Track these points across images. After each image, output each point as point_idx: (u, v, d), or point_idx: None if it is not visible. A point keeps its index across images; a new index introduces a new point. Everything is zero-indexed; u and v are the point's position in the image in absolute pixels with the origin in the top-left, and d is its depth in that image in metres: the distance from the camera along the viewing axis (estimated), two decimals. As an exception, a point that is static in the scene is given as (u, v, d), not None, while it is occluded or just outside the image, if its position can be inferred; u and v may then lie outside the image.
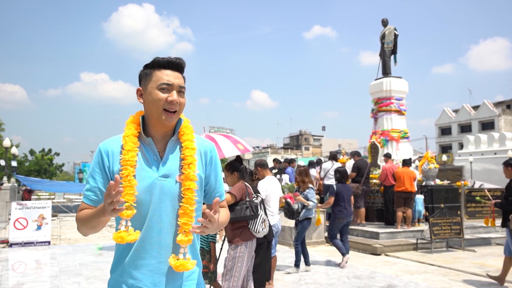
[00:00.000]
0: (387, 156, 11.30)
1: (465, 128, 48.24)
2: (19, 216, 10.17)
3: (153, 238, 1.69)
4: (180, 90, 1.74)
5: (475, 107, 49.04)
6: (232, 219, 4.26)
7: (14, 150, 23.94)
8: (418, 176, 11.97)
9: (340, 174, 7.80)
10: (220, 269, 5.19)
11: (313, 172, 11.83)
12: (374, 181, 11.65)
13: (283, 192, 11.13)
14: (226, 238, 4.55)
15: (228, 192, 4.29)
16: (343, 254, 7.58)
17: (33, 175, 41.85)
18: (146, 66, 1.77)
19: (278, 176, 12.35)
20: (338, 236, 7.81)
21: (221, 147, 5.30)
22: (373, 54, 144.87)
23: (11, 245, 10.01)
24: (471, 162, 27.59)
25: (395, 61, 14.53)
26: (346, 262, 7.56)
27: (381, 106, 14.06)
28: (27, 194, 14.76)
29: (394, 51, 14.42)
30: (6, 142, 20.79)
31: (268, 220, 4.45)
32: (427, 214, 10.98)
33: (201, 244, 4.72)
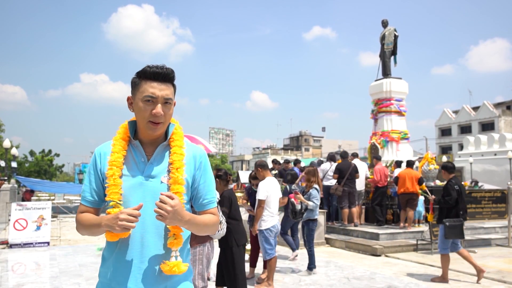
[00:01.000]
0: (377, 159, 11.36)
1: (465, 129, 48.21)
2: (19, 217, 10.15)
3: (136, 237, 1.70)
4: (166, 102, 1.74)
5: (475, 108, 49.02)
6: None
7: (14, 151, 23.93)
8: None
9: (292, 176, 7.87)
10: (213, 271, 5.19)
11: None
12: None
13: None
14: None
15: None
16: (293, 250, 8.14)
17: (33, 176, 41.85)
18: (137, 74, 1.78)
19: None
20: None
21: None
22: (372, 55, 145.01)
23: (10, 246, 9.99)
24: (471, 163, 27.57)
25: (395, 62, 14.54)
26: (296, 256, 8.17)
27: (381, 107, 14.06)
28: (28, 195, 14.77)
29: (394, 52, 14.44)
30: (6, 143, 20.79)
31: (225, 222, 4.31)
32: (427, 215, 10.97)
33: None
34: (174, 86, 1.80)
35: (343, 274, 7.10)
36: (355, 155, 11.90)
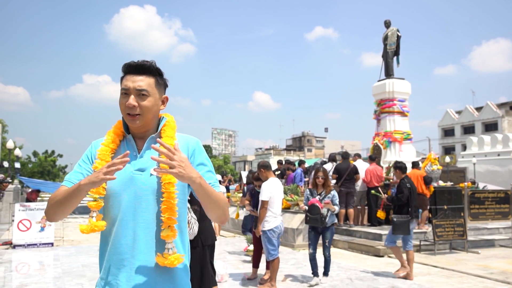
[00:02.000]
0: (371, 159, 11.37)
1: (468, 130, 48.07)
2: (23, 217, 10.19)
3: (128, 232, 1.68)
4: (141, 93, 1.72)
5: (478, 109, 48.87)
6: None
7: (17, 152, 24.01)
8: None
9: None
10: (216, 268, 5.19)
11: None
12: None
13: (286, 194, 11.15)
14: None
15: None
16: (250, 246, 8.66)
17: (36, 176, 41.98)
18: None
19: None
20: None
21: None
22: (375, 55, 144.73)
23: (14, 247, 10.03)
24: (474, 164, 27.50)
25: (398, 62, 14.51)
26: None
27: (384, 107, 14.03)
28: (34, 195, 14.83)
29: (397, 53, 14.40)
30: (10, 144, 20.86)
31: (194, 222, 4.19)
32: (430, 215, 10.95)
33: None
34: (155, 78, 1.78)
35: (346, 275, 7.10)
36: (358, 156, 11.90)
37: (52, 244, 10.34)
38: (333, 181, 10.75)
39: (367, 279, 6.77)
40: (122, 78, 1.78)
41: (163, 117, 1.86)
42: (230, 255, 8.99)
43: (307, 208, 6.44)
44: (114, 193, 1.70)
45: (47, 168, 46.72)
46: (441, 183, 12.87)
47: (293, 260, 8.33)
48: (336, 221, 6.65)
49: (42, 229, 10.30)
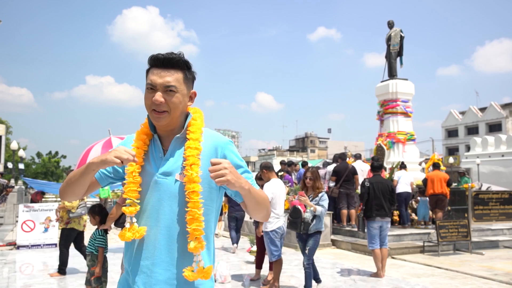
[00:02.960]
0: (374, 160, 11.39)
1: (472, 130, 47.91)
2: (27, 218, 10.22)
3: (150, 237, 1.63)
4: (169, 89, 1.62)
5: (482, 109, 48.71)
6: (120, 225, 4.44)
7: (21, 153, 24.12)
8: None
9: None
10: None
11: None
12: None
13: (288, 194, 11.14)
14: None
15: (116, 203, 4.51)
16: (234, 243, 9.43)
17: (40, 177, 42.13)
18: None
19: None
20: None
21: (90, 154, 5.08)
22: (377, 56, 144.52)
23: (18, 247, 10.06)
24: (478, 165, 27.40)
25: (401, 63, 14.49)
26: (234, 251, 9.26)
27: (387, 108, 14.01)
28: (39, 196, 14.88)
29: (400, 53, 14.38)
30: (14, 145, 20.96)
31: None
32: (433, 216, 10.92)
33: (89, 248, 4.71)
34: (184, 72, 1.67)
35: (349, 276, 7.08)
36: (357, 157, 11.89)
37: (56, 244, 10.35)
38: (332, 184, 10.77)
39: (370, 280, 6.75)
40: (147, 71, 1.68)
41: (189, 113, 1.74)
42: (233, 256, 8.99)
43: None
44: (140, 197, 1.65)
45: (50, 169, 46.81)
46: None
47: (296, 261, 8.32)
48: (322, 229, 5.77)
49: (46, 230, 10.34)
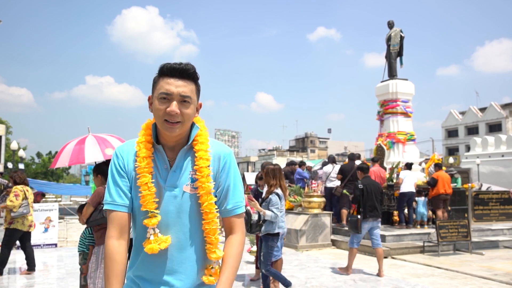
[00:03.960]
0: (374, 160, 11.39)
1: (472, 130, 47.93)
2: (26, 218, 10.21)
3: (160, 251, 1.62)
4: (184, 100, 1.60)
5: (482, 109, 48.73)
6: (91, 223, 4.40)
7: (21, 153, 24.12)
8: (427, 178, 11.95)
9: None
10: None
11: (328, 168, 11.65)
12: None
13: (289, 195, 11.15)
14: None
15: (86, 203, 4.46)
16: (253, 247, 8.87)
17: (40, 177, 42.15)
18: (158, 72, 1.68)
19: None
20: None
21: (85, 152, 5.04)
22: (377, 56, 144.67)
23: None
24: (478, 165, 27.39)
25: (401, 63, 14.50)
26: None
27: (387, 108, 14.01)
28: (39, 197, 14.90)
29: (400, 53, 14.39)
30: (14, 145, 20.96)
31: None
32: (434, 217, 10.92)
33: (81, 247, 4.71)
34: (196, 84, 1.67)
35: (349, 276, 7.08)
36: (357, 157, 11.90)
37: (55, 245, 10.37)
38: (336, 183, 10.79)
39: (370, 280, 6.75)
40: (157, 79, 1.64)
41: (194, 123, 1.71)
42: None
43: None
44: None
45: (50, 169, 46.85)
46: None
47: (297, 261, 8.32)
48: (276, 231, 5.39)
49: (46, 230, 10.34)
